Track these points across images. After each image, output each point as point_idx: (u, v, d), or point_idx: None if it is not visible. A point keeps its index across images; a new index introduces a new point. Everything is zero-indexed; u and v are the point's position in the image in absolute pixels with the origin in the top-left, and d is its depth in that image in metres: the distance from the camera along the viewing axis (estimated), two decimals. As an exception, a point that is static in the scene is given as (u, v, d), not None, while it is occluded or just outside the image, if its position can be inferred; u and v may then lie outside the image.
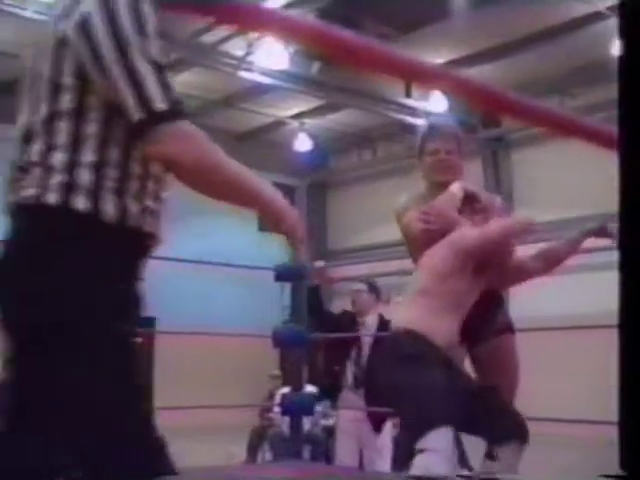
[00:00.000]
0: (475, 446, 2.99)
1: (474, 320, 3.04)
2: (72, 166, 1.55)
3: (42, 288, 1.51)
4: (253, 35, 9.44)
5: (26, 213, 1.57)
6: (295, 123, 13.55)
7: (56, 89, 1.57)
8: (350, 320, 5.59)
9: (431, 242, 3.09)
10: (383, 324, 5.31)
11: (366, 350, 5.36)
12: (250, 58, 10.22)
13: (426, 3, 9.01)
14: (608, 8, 8.75)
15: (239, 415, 7.82)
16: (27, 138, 1.60)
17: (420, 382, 2.75)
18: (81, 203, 1.53)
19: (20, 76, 1.67)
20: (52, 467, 1.53)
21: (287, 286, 6.95)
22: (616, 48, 8.89)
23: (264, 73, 10.62)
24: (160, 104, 1.50)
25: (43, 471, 1.54)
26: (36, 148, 1.57)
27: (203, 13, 1.18)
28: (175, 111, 1.52)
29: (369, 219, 13.43)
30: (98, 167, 1.55)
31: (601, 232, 3.29)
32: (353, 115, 13.16)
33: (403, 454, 2.96)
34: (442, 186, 3.23)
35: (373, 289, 5.62)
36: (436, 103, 11.18)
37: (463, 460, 3.13)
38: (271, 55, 9.96)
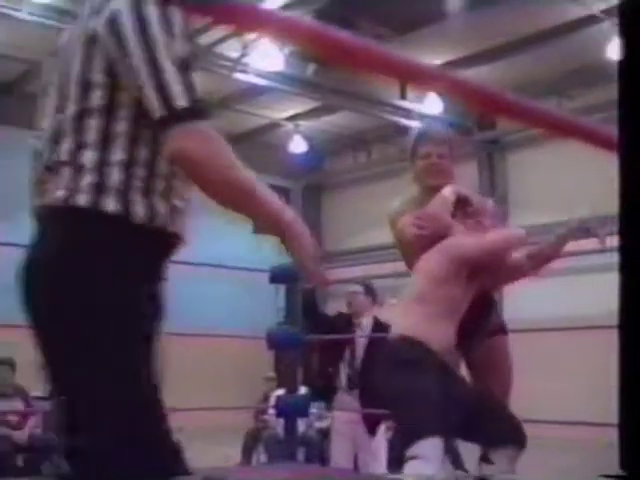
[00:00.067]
0: (471, 451, 3.00)
1: (468, 324, 3.05)
2: (102, 165, 1.54)
3: (73, 295, 1.50)
4: (248, 37, 9.43)
5: (55, 216, 1.56)
6: (290, 125, 13.53)
7: (86, 86, 1.56)
8: (345, 322, 5.59)
9: (426, 247, 3.10)
10: (378, 326, 5.33)
11: (360, 352, 5.37)
12: (245, 60, 10.21)
13: (423, 4, 9.01)
14: (602, 11, 8.77)
15: (234, 417, 7.81)
16: (55, 138, 1.59)
17: (416, 389, 2.76)
18: (111, 205, 1.53)
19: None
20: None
21: (282, 288, 6.95)
22: (611, 51, 8.92)
23: (259, 75, 10.61)
24: (181, 103, 1.50)
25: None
26: (65, 147, 1.57)
27: (201, 13, 1.18)
28: (195, 110, 1.52)
29: (364, 221, 13.42)
30: (127, 166, 1.55)
31: (582, 232, 3.27)
32: (348, 117, 13.15)
33: (397, 458, 2.97)
34: (434, 190, 3.24)
35: (369, 291, 5.62)
36: (431, 105, 11.19)
37: (458, 464, 3.14)
38: (266, 57, 9.94)
